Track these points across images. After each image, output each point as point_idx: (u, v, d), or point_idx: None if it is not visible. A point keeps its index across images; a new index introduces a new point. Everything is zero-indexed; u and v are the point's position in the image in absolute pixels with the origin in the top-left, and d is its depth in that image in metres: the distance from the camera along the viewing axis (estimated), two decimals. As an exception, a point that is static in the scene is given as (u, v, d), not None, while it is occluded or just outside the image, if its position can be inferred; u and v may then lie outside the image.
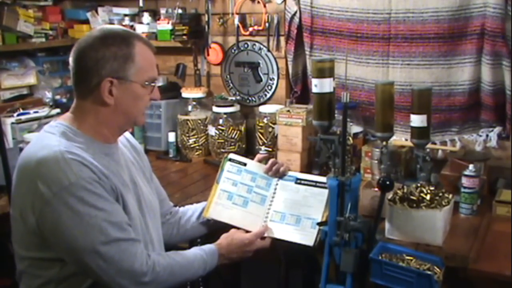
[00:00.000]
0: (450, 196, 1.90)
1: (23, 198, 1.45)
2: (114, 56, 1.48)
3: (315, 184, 1.91)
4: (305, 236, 1.82)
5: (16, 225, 1.50)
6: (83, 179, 1.40)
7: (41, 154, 1.43)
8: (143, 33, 2.91)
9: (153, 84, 1.58)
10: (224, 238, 1.78)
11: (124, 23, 3.09)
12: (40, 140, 1.51)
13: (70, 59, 1.53)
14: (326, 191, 1.85)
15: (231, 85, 3.00)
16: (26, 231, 1.46)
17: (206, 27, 2.91)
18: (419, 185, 1.93)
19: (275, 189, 1.94)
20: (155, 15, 3.09)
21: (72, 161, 1.41)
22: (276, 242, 1.84)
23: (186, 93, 2.95)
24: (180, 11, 2.94)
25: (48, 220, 1.41)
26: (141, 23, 3.07)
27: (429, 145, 2.12)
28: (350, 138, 2.47)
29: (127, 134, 1.75)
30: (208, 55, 2.97)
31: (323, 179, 1.90)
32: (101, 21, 3.20)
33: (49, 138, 1.48)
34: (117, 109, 1.53)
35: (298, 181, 1.94)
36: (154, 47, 1.60)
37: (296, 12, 2.68)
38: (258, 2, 2.78)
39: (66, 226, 1.40)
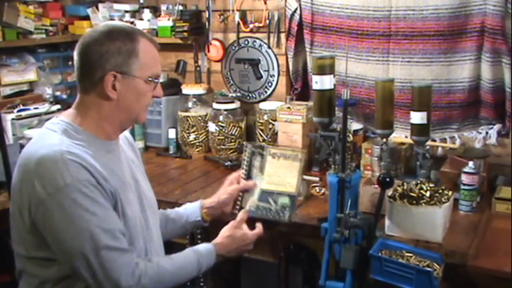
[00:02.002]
0: (450, 193, 1.90)
1: (21, 196, 1.45)
2: (119, 51, 1.48)
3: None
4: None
5: (15, 223, 1.50)
6: (79, 181, 1.39)
7: (41, 153, 1.42)
8: (143, 29, 2.90)
9: (156, 80, 1.58)
10: (225, 237, 1.76)
11: (124, 20, 3.08)
12: (42, 138, 1.50)
13: (75, 54, 1.53)
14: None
15: (231, 81, 3.00)
16: (24, 229, 1.46)
17: (207, 23, 2.90)
18: (419, 182, 1.93)
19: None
20: (156, 12, 3.09)
21: (71, 162, 1.40)
22: (276, 241, 1.84)
23: (186, 90, 2.95)
24: (180, 7, 2.93)
25: (41, 220, 1.41)
26: (141, 19, 3.07)
27: (429, 142, 2.12)
28: (350, 135, 2.47)
29: (124, 131, 1.74)
30: (208, 51, 2.96)
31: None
32: (102, 17, 3.19)
33: (51, 136, 1.48)
34: (119, 104, 1.53)
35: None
36: (158, 45, 1.60)
37: (296, 9, 2.68)
38: (259, -2, 2.78)
39: (58, 227, 1.39)
